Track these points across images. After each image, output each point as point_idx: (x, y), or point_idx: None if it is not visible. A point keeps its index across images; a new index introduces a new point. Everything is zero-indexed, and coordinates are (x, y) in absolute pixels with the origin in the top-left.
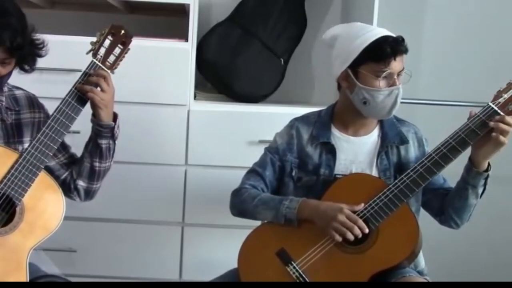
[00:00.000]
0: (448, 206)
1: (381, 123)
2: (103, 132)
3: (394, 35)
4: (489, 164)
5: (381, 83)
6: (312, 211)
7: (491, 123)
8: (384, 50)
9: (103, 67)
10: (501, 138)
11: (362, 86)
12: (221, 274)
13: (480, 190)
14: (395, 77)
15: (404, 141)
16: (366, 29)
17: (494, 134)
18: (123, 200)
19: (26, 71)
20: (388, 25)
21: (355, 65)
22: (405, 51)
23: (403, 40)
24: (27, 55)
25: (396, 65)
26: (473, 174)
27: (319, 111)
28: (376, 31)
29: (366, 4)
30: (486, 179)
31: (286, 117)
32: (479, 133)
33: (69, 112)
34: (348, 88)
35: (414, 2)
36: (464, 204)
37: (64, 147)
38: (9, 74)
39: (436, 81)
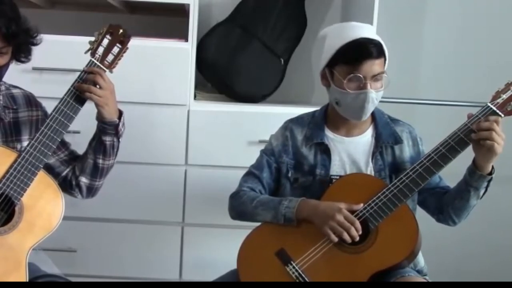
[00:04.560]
0: (448, 205)
1: (374, 123)
2: (107, 129)
3: (372, 38)
4: (493, 167)
5: (349, 85)
6: (311, 210)
7: (473, 135)
8: (353, 53)
9: (101, 66)
10: (488, 143)
11: (334, 87)
12: (221, 274)
13: (481, 192)
14: (367, 81)
15: (398, 141)
16: (351, 29)
17: (481, 141)
18: (123, 200)
19: (22, 61)
20: (388, 25)
21: (331, 65)
22: (375, 55)
23: (377, 44)
24: (22, 43)
25: (366, 68)
26: (476, 177)
27: (313, 112)
28: (357, 32)
29: (366, 4)
30: (489, 181)
31: (286, 117)
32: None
33: (68, 111)
34: (326, 86)
35: (414, 2)
36: (464, 205)
37: (63, 144)
38: (6, 65)
39: (436, 81)
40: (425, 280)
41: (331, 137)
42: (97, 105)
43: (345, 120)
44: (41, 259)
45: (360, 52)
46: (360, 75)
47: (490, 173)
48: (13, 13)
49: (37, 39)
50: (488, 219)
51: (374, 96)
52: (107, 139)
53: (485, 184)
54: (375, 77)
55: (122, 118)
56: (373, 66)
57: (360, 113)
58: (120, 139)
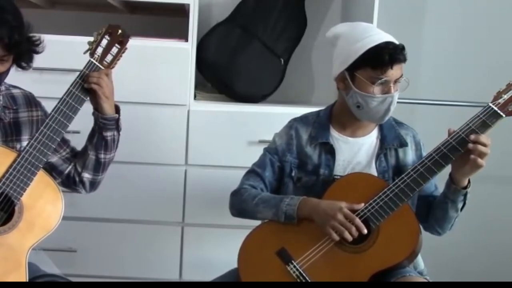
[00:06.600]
0: (430, 215)
1: (380, 125)
2: (108, 125)
3: (396, 42)
4: (469, 181)
5: (376, 89)
6: (312, 209)
7: (470, 145)
8: (382, 58)
9: (100, 66)
10: (479, 160)
11: (356, 90)
12: (221, 274)
13: (459, 205)
14: (391, 84)
15: (403, 144)
16: (369, 32)
17: (472, 156)
18: (123, 200)
19: (23, 68)
20: (388, 25)
21: (353, 68)
22: (403, 60)
23: (403, 48)
24: (24, 51)
25: (393, 73)
26: (452, 190)
27: (318, 112)
28: (378, 36)
29: (366, 4)
30: (465, 195)
31: (286, 117)
32: (479, 133)
33: (67, 111)
34: (344, 90)
35: (414, 2)
36: (444, 216)
37: (64, 141)
38: (7, 72)
39: (436, 81)
40: (425, 280)
41: (336, 137)
42: (100, 97)
43: (352, 121)
44: (41, 259)
45: (391, 57)
46: (389, 79)
47: (466, 187)
48: (16, 22)
49: (39, 47)
50: (487, 220)
51: (396, 99)
52: (108, 134)
53: (461, 197)
54: (397, 80)
55: (120, 112)
56: (398, 70)
57: (384, 116)
58: (120, 132)
